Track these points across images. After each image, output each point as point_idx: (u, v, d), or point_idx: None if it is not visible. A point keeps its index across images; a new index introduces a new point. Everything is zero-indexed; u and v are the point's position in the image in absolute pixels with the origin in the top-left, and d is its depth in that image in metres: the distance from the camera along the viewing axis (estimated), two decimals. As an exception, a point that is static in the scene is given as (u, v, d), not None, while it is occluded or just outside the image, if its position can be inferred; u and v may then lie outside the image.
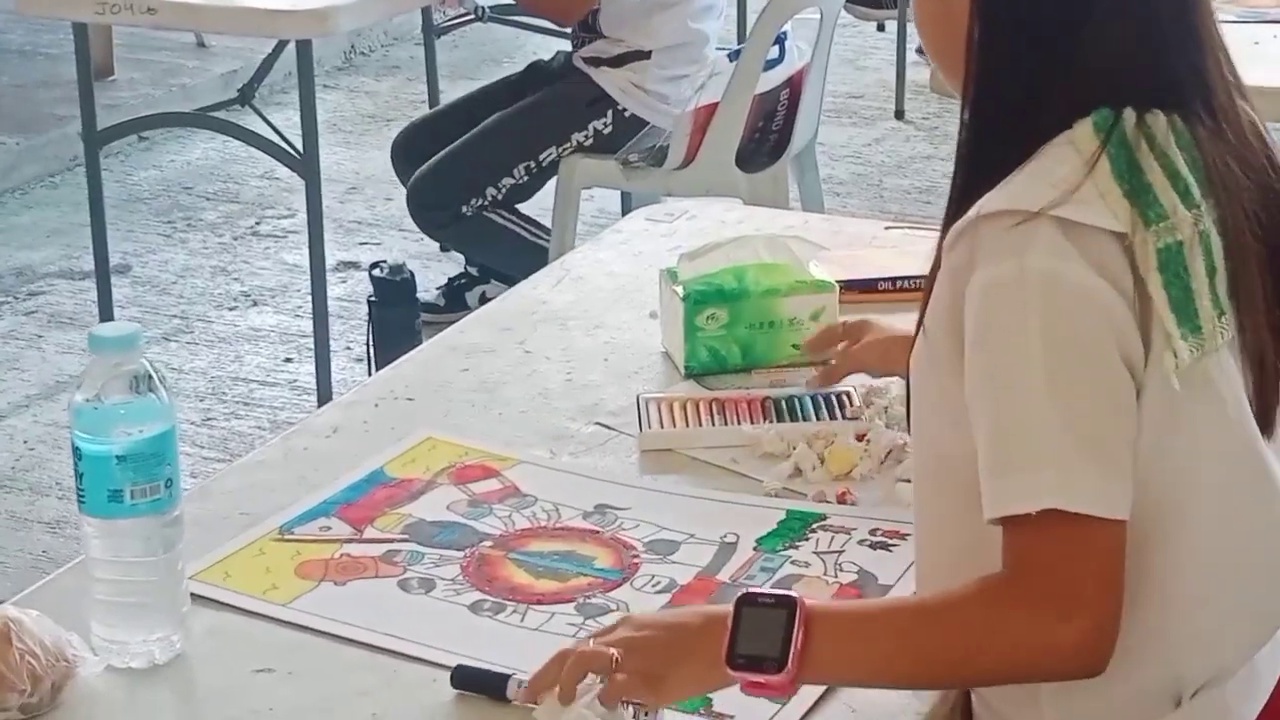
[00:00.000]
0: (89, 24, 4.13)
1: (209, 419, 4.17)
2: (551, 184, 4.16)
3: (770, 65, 3.93)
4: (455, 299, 4.50)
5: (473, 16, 4.96)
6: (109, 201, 4.50)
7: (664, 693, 1.45)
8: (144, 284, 4.98)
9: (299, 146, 3.95)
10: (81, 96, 4.16)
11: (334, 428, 2.04)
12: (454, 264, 4.73)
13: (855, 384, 2.06)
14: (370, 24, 6.49)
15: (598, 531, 1.81)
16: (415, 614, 1.67)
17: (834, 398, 2.04)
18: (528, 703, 1.49)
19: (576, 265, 2.51)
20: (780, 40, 3.92)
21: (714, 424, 2.01)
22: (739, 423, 2.00)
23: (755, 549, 1.77)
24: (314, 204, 3.96)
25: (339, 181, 5.66)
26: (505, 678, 1.52)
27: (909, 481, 1.76)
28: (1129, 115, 1.44)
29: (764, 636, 1.40)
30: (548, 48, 5.11)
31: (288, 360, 4.49)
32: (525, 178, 4.16)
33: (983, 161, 1.47)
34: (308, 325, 4.33)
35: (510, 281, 2.93)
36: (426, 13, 5.34)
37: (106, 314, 4.30)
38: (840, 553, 1.76)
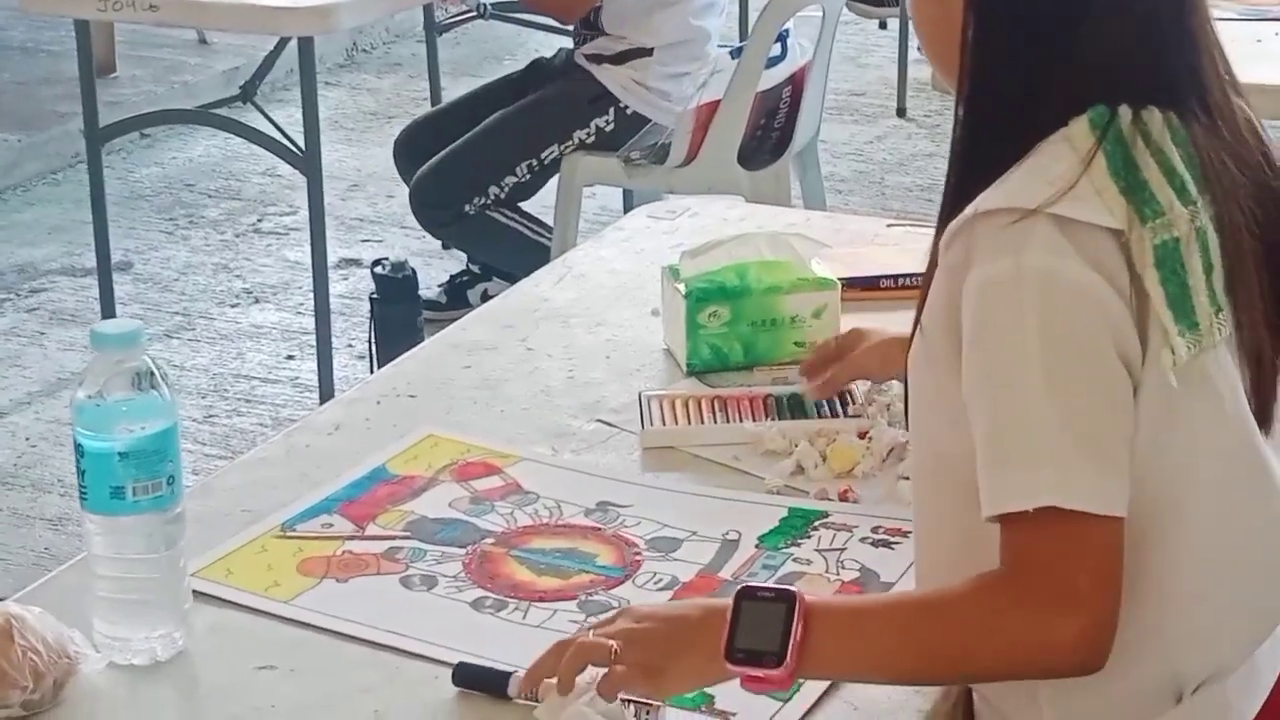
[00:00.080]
0: (91, 21, 4.13)
1: (211, 416, 4.17)
2: (553, 182, 4.16)
3: (772, 63, 3.93)
4: (457, 296, 4.50)
5: (475, 14, 4.96)
6: (111, 198, 4.51)
7: (663, 685, 1.45)
8: (146, 281, 4.98)
9: (301, 143, 3.95)
10: (83, 93, 4.16)
11: (336, 425, 2.04)
12: (456, 261, 4.73)
13: (857, 381, 2.05)
14: (372, 21, 6.49)
15: (600, 529, 1.81)
16: (417, 611, 1.67)
17: (836, 395, 2.04)
18: (525, 692, 1.49)
19: (578, 263, 2.51)
20: (782, 37, 3.92)
21: (716, 421, 2.01)
22: (741, 420, 2.00)
23: (757, 546, 1.77)
24: (316, 201, 3.96)
25: (341, 178, 5.66)
26: (506, 675, 1.52)
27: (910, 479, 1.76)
28: (1125, 112, 1.44)
29: (763, 630, 1.40)
30: (550, 45, 5.11)
31: (289, 357, 4.49)
32: (527, 176, 4.16)
33: (978, 159, 1.47)
34: (309, 322, 4.33)
35: (512, 279, 2.93)
36: (428, 10, 5.34)
37: (108, 311, 4.30)
38: (842, 550, 1.76)
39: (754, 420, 2.00)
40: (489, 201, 4.16)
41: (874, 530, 1.79)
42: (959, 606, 1.41)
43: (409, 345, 2.45)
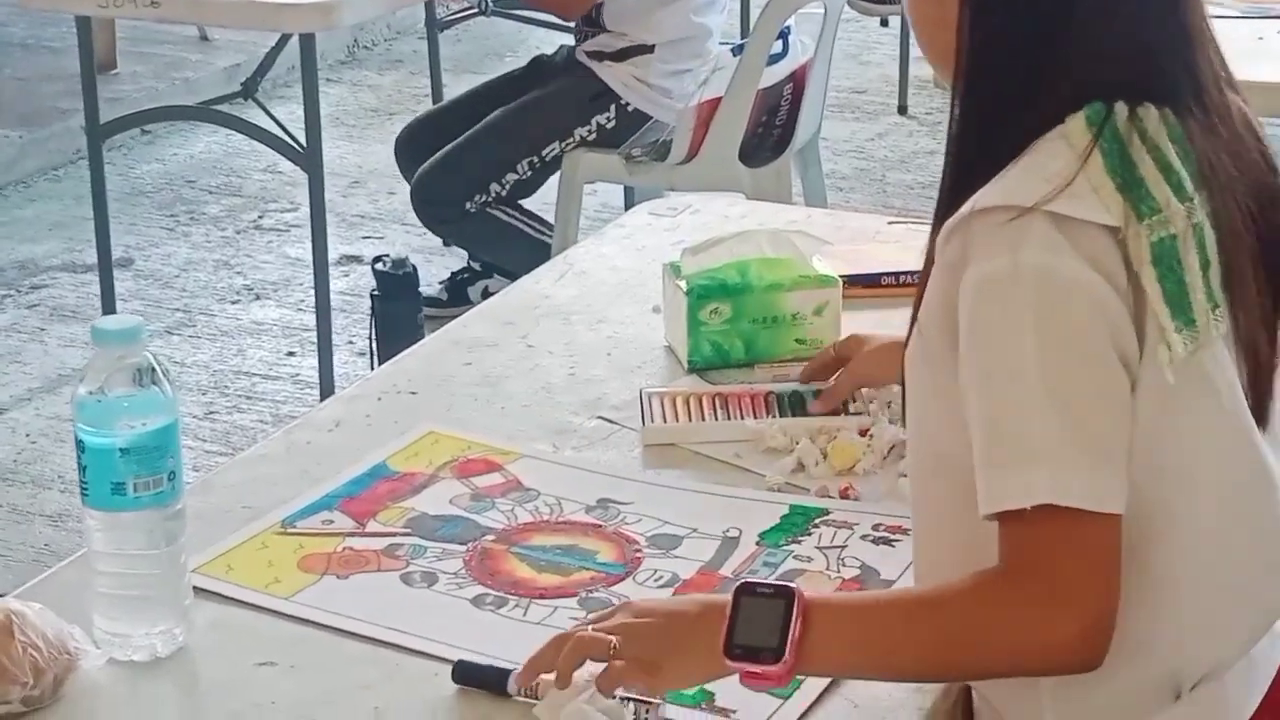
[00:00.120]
0: (92, 17, 4.13)
1: (211, 412, 4.17)
2: (554, 179, 4.16)
3: (774, 60, 3.93)
4: (458, 294, 4.50)
5: (476, 10, 4.96)
6: (111, 195, 4.51)
7: (661, 681, 1.45)
8: (146, 277, 4.98)
9: (302, 140, 3.95)
10: (84, 90, 4.16)
11: (336, 421, 2.04)
12: (457, 258, 4.73)
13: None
14: (373, 18, 6.50)
15: (600, 526, 1.81)
16: (417, 608, 1.67)
17: (837, 393, 2.04)
18: (523, 685, 1.49)
19: (579, 259, 2.50)
20: (784, 35, 3.92)
21: (717, 419, 2.01)
22: (742, 417, 2.00)
23: (758, 544, 1.77)
24: (317, 198, 3.96)
25: (342, 175, 5.66)
26: (506, 673, 1.51)
27: (912, 476, 1.76)
28: (1121, 109, 1.44)
29: (762, 627, 1.41)
30: (551, 42, 5.11)
31: (290, 354, 4.49)
32: (529, 173, 4.16)
33: (975, 156, 1.47)
34: (310, 319, 4.33)
35: (513, 277, 2.93)
36: (430, 7, 5.35)
37: (109, 307, 4.30)
38: (843, 548, 1.76)
39: (755, 417, 2.00)
40: (490, 199, 4.16)
41: (874, 528, 1.79)
42: (958, 604, 1.41)
43: (410, 342, 2.45)
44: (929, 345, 1.48)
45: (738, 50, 3.95)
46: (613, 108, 4.10)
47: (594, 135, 4.11)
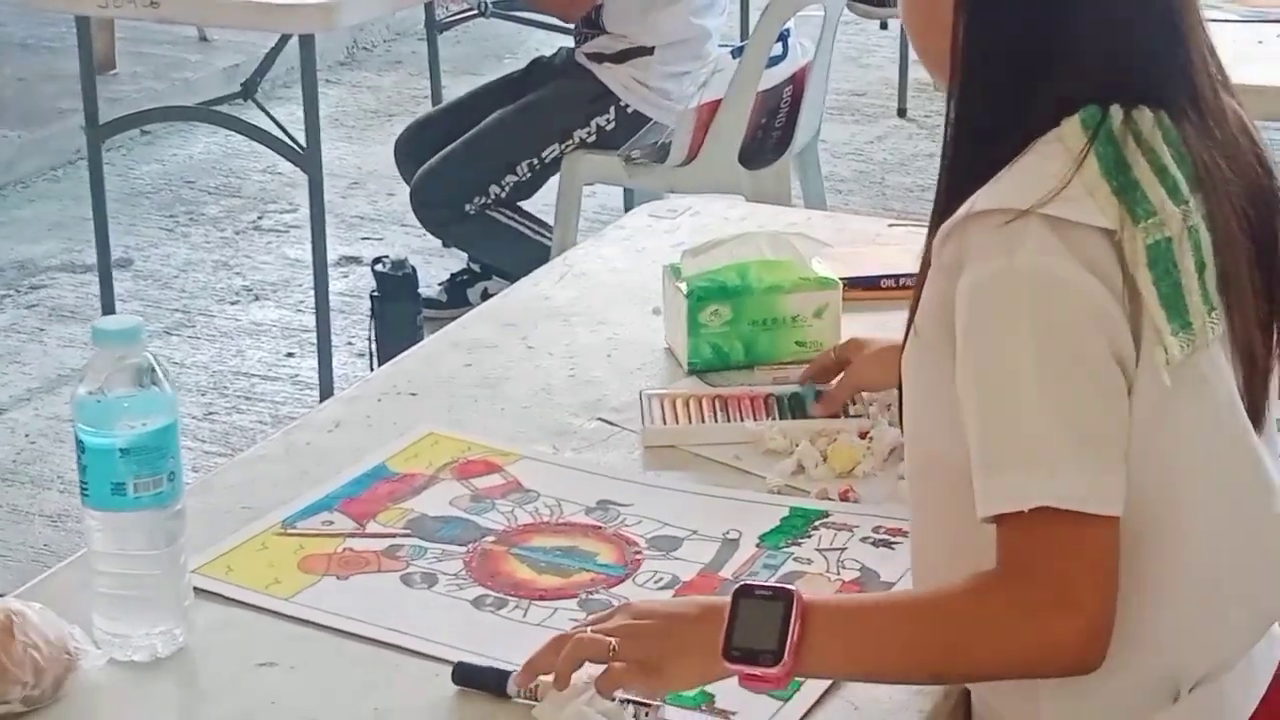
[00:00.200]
0: (92, 17, 4.13)
1: (210, 413, 4.17)
2: (553, 181, 4.16)
3: (773, 62, 3.93)
4: (457, 295, 4.50)
5: (475, 12, 4.97)
6: (111, 195, 4.51)
7: (661, 683, 1.45)
8: (146, 278, 4.98)
9: (301, 141, 3.95)
10: (84, 90, 4.16)
11: (336, 422, 2.04)
12: (456, 260, 4.73)
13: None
14: (373, 19, 6.50)
15: (600, 527, 1.81)
16: (417, 609, 1.67)
17: (837, 395, 2.04)
18: (522, 685, 1.49)
19: (579, 261, 2.50)
20: (783, 37, 3.92)
21: (717, 420, 2.01)
22: (742, 419, 2.00)
23: (758, 546, 1.77)
24: (316, 199, 3.96)
25: (341, 176, 5.66)
26: (505, 674, 1.51)
27: (912, 479, 1.76)
28: (1115, 112, 1.44)
29: (760, 629, 1.41)
30: (550, 44, 5.11)
31: (289, 355, 4.49)
32: (528, 175, 4.16)
33: (970, 159, 1.48)
34: (309, 320, 4.33)
35: (512, 279, 2.94)
36: (429, 8, 5.35)
37: (108, 308, 4.30)
38: (843, 550, 1.76)
39: (755, 419, 2.00)
40: (490, 201, 4.17)
41: (875, 530, 1.79)
42: (956, 606, 1.41)
43: (409, 343, 2.45)
44: (926, 348, 1.48)
45: (737, 52, 3.95)
46: (612, 109, 4.11)
47: (593, 137, 4.11)
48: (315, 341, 4.11)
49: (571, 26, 4.28)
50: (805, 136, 4.12)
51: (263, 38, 5.31)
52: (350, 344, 4.49)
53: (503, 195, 4.17)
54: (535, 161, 4.14)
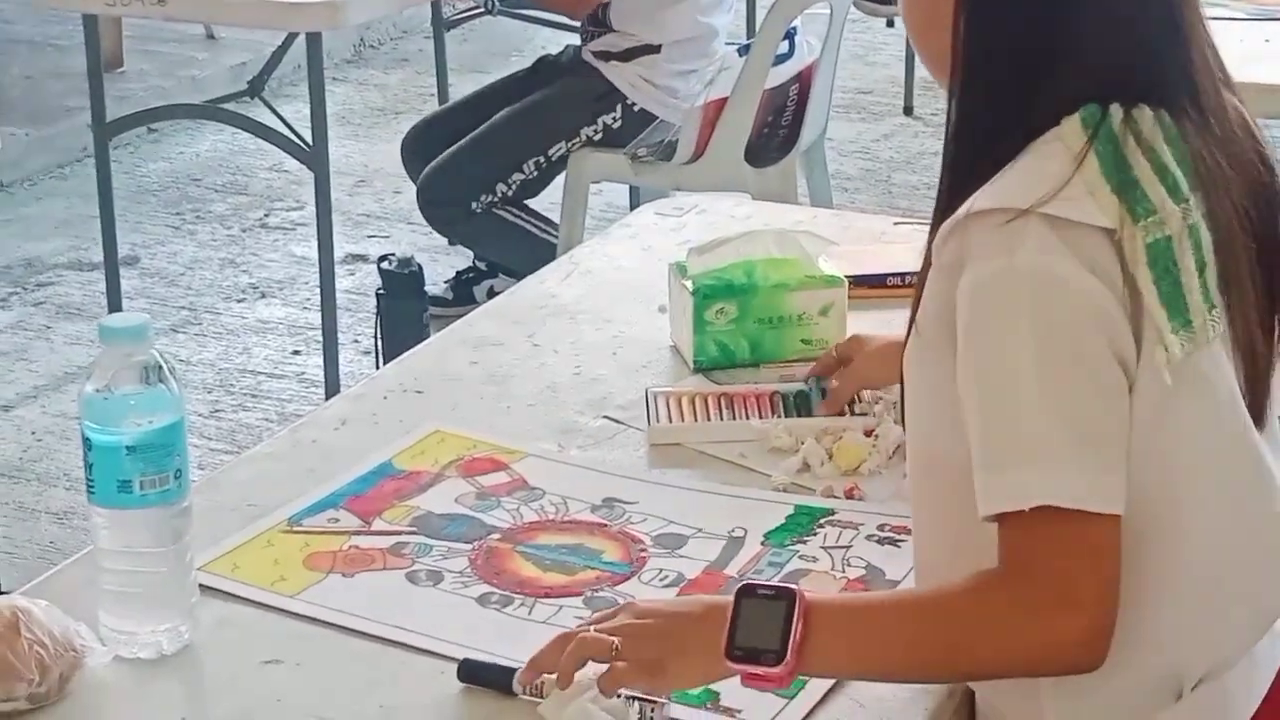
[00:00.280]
0: (99, 16, 4.13)
1: (217, 411, 4.18)
2: (560, 179, 4.16)
3: (780, 60, 3.93)
4: (463, 293, 4.50)
5: (482, 10, 4.96)
6: (118, 193, 4.51)
7: (663, 682, 1.45)
8: (152, 276, 4.99)
9: (308, 139, 3.95)
10: (91, 88, 4.16)
11: (342, 420, 2.04)
12: (462, 257, 4.73)
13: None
14: (380, 17, 6.50)
15: (605, 525, 1.81)
16: (423, 606, 1.67)
17: (842, 393, 2.04)
18: (526, 683, 1.49)
19: (585, 259, 2.50)
20: (790, 35, 3.92)
21: (722, 418, 2.01)
22: (747, 417, 2.00)
23: (763, 544, 1.77)
24: (323, 196, 3.96)
25: (348, 174, 5.66)
26: (511, 671, 1.52)
27: (916, 477, 1.76)
28: (1115, 111, 1.44)
29: (763, 628, 1.41)
30: (557, 42, 5.11)
31: (296, 352, 4.49)
32: (535, 173, 4.16)
33: (971, 158, 1.48)
34: (316, 318, 4.33)
35: (518, 276, 2.94)
36: (436, 6, 5.34)
37: (115, 305, 4.30)
38: (848, 548, 1.76)
39: (760, 417, 2.00)
40: (496, 199, 4.17)
41: (880, 528, 1.79)
42: (958, 605, 1.41)
43: (415, 341, 2.45)
44: (927, 346, 1.49)
45: (744, 50, 3.95)
46: (619, 107, 4.11)
47: (600, 135, 4.12)
48: (321, 339, 4.11)
49: (578, 24, 4.28)
50: (811, 134, 4.11)
51: (270, 36, 5.30)
52: (356, 342, 4.49)
53: (509, 193, 4.17)
54: (542, 159, 4.14)
